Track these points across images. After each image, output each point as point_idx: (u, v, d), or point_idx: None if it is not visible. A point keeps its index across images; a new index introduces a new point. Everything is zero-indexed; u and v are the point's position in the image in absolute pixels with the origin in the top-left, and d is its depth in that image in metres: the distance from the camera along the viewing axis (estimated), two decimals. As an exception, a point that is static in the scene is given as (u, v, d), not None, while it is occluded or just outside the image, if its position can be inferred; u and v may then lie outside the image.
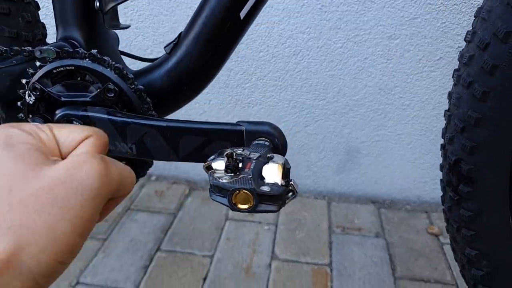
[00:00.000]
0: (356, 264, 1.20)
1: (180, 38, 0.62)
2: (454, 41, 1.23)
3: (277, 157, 0.43)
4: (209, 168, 0.43)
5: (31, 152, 0.30)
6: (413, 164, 1.45)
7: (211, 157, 0.44)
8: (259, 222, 1.35)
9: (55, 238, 0.28)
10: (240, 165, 0.42)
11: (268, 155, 0.44)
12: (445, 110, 0.64)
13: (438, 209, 1.46)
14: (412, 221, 1.41)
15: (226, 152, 0.42)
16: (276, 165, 0.40)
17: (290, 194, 0.40)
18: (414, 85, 1.31)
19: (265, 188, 0.38)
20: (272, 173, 0.40)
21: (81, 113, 0.58)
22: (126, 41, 1.31)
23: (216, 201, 0.39)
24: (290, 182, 0.41)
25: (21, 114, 0.61)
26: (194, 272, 1.15)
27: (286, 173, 0.41)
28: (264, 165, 0.41)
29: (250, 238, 1.29)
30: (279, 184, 0.39)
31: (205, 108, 1.44)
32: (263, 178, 0.40)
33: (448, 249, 1.26)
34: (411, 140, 1.41)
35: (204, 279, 1.13)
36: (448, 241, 1.14)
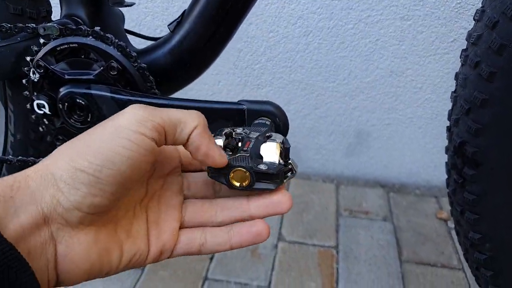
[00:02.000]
0: (363, 246, 1.20)
1: (183, 16, 0.62)
2: (469, 22, 1.20)
3: (276, 135, 0.43)
4: None
5: None
6: (424, 148, 1.44)
7: None
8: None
9: (77, 148, 0.31)
10: (240, 144, 0.42)
11: (267, 134, 0.44)
12: (452, 92, 0.63)
13: (448, 194, 1.45)
14: (421, 205, 1.40)
15: (225, 131, 0.42)
16: (274, 143, 0.40)
17: (289, 173, 0.40)
18: (427, 68, 1.29)
19: (262, 166, 0.38)
20: (270, 151, 0.40)
21: (84, 91, 0.58)
22: (136, 20, 1.31)
23: (213, 179, 0.39)
24: (289, 161, 0.40)
25: (26, 92, 0.61)
26: (201, 251, 1.16)
27: (285, 152, 0.41)
28: (262, 144, 0.41)
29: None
30: (277, 162, 0.39)
31: (214, 89, 1.43)
32: (261, 157, 0.40)
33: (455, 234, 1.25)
34: (422, 123, 1.39)
35: (211, 258, 1.14)
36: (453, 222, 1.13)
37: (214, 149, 0.36)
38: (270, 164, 0.38)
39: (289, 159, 0.41)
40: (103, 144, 0.30)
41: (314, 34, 1.29)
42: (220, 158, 0.36)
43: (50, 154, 0.32)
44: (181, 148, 0.40)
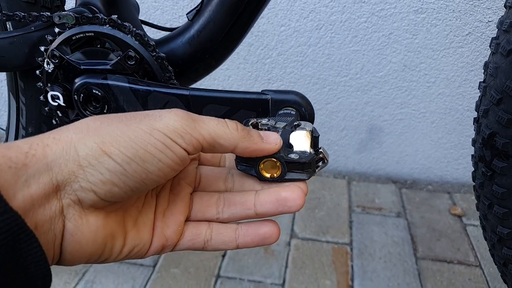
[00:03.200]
0: (377, 243, 1.18)
1: (202, 4, 0.60)
2: (484, 15, 1.18)
3: (304, 124, 0.41)
4: None
5: None
6: (436, 144, 1.42)
7: None
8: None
9: (109, 134, 0.29)
10: None
11: (295, 123, 0.42)
12: (480, 82, 0.61)
13: (461, 190, 1.43)
14: (434, 201, 1.38)
15: (251, 122, 0.40)
16: (304, 131, 0.38)
17: (321, 162, 0.38)
18: (441, 62, 1.27)
19: (293, 156, 0.36)
20: (300, 140, 0.38)
21: (101, 81, 0.56)
22: (145, 14, 1.29)
23: (243, 171, 0.37)
24: (320, 150, 0.38)
25: (39, 83, 0.59)
26: (212, 249, 1.14)
27: (314, 141, 0.39)
28: (291, 133, 0.39)
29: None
30: (308, 151, 0.37)
31: (224, 84, 1.41)
32: (291, 146, 0.38)
33: (471, 230, 1.23)
34: (435, 118, 1.37)
35: (223, 256, 1.13)
36: (472, 222, 1.11)
37: (266, 147, 0.34)
38: (301, 153, 0.36)
39: (320, 147, 0.39)
40: (138, 140, 0.29)
41: (326, 28, 1.27)
42: (275, 146, 0.35)
43: (74, 124, 0.30)
44: None
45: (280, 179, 0.36)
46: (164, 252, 0.36)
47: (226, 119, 0.33)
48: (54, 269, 0.35)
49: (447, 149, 1.42)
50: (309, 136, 0.38)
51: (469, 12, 1.18)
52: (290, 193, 0.34)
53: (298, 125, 0.41)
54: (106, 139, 0.29)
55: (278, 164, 0.36)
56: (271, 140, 0.35)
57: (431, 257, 1.14)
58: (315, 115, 1.38)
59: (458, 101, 1.32)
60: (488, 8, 1.16)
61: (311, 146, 0.38)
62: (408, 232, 1.23)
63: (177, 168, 0.31)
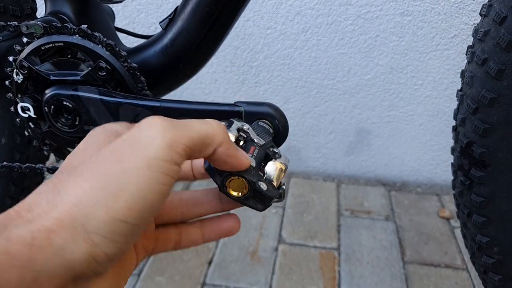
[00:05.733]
0: (365, 247, 1.18)
1: (176, 12, 0.59)
2: (470, 18, 1.17)
3: (283, 156, 0.40)
4: None
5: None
6: (425, 146, 1.41)
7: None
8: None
9: (109, 192, 0.25)
10: (241, 143, 0.39)
11: (274, 150, 0.41)
12: (458, 90, 0.60)
13: (450, 192, 1.42)
14: (423, 204, 1.37)
15: (238, 127, 0.39)
16: (282, 166, 0.37)
17: (277, 198, 0.37)
18: (427, 64, 1.26)
19: (263, 186, 0.35)
20: (274, 173, 0.37)
21: (71, 92, 0.55)
22: (129, 18, 1.28)
23: (208, 172, 0.36)
24: (283, 187, 0.38)
25: (9, 94, 0.58)
26: (199, 256, 1.13)
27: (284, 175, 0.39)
28: (270, 161, 0.38)
29: (257, 222, 1.26)
30: (276, 186, 0.36)
31: (211, 88, 1.40)
32: (263, 172, 0.37)
33: (459, 233, 1.22)
34: (423, 121, 1.36)
35: (209, 263, 1.12)
36: (460, 224, 1.11)
37: (241, 158, 0.33)
38: (270, 186, 0.35)
39: (283, 184, 0.38)
40: (143, 185, 0.26)
41: (312, 31, 1.26)
42: (246, 163, 0.34)
43: (67, 190, 0.26)
44: None
45: (239, 201, 0.35)
46: (139, 262, 0.35)
47: (207, 119, 0.32)
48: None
49: (435, 151, 1.42)
50: (284, 173, 0.37)
51: (455, 14, 1.17)
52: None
53: (277, 154, 0.40)
54: (110, 201, 0.25)
55: (246, 187, 0.34)
56: (246, 156, 0.34)
57: (418, 261, 1.13)
58: (302, 120, 1.38)
59: (445, 103, 1.32)
60: (473, 11, 1.15)
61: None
62: (397, 235, 1.22)
63: (173, 186, 0.28)
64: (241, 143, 0.39)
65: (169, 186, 0.27)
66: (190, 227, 0.38)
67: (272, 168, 0.37)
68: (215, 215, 0.38)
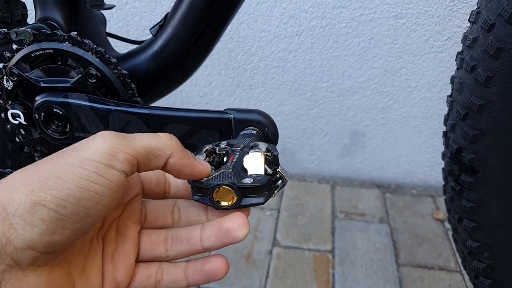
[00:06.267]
0: (359, 250, 1.18)
1: (166, 18, 0.59)
2: (463, 21, 1.17)
3: (260, 144, 0.40)
4: None
5: None
6: (419, 148, 1.42)
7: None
8: (262, 208, 1.33)
9: (37, 179, 0.27)
10: (225, 159, 0.39)
11: (251, 144, 0.41)
12: (448, 96, 0.61)
13: (445, 194, 1.43)
14: (417, 206, 1.38)
15: (206, 148, 0.39)
16: (257, 153, 0.37)
17: (279, 182, 0.37)
18: (421, 67, 1.26)
19: (247, 180, 0.35)
20: (253, 163, 0.36)
21: (61, 99, 0.55)
22: (123, 21, 1.28)
23: (198, 201, 0.36)
24: (277, 170, 0.37)
25: (0, 101, 0.58)
26: (193, 258, 1.13)
27: (273, 160, 0.38)
28: (244, 156, 0.37)
29: (251, 225, 1.26)
30: (262, 173, 0.36)
31: (205, 90, 1.40)
32: (245, 170, 0.37)
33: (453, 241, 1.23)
34: (417, 123, 1.37)
35: (203, 265, 1.12)
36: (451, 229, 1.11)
37: (197, 165, 0.34)
38: (255, 177, 0.35)
39: (278, 167, 0.38)
40: (68, 178, 0.27)
41: (306, 34, 1.26)
42: (204, 169, 0.34)
43: (6, 179, 0.28)
44: (143, 173, 0.37)
45: (236, 206, 0.35)
46: None
47: (159, 133, 0.33)
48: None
49: (430, 153, 1.42)
50: (263, 157, 0.37)
51: (448, 17, 1.17)
52: (231, 223, 0.33)
53: (253, 147, 0.40)
54: (35, 187, 0.26)
55: (231, 191, 0.34)
56: (202, 163, 0.35)
57: (412, 264, 1.14)
58: (297, 122, 1.38)
59: (439, 105, 1.32)
60: (466, 14, 1.15)
61: (268, 167, 0.37)
62: (391, 238, 1.23)
63: (117, 196, 0.29)
64: (225, 158, 0.39)
65: (103, 187, 0.28)
66: (173, 267, 0.36)
67: (247, 160, 0.37)
68: (201, 256, 0.36)
